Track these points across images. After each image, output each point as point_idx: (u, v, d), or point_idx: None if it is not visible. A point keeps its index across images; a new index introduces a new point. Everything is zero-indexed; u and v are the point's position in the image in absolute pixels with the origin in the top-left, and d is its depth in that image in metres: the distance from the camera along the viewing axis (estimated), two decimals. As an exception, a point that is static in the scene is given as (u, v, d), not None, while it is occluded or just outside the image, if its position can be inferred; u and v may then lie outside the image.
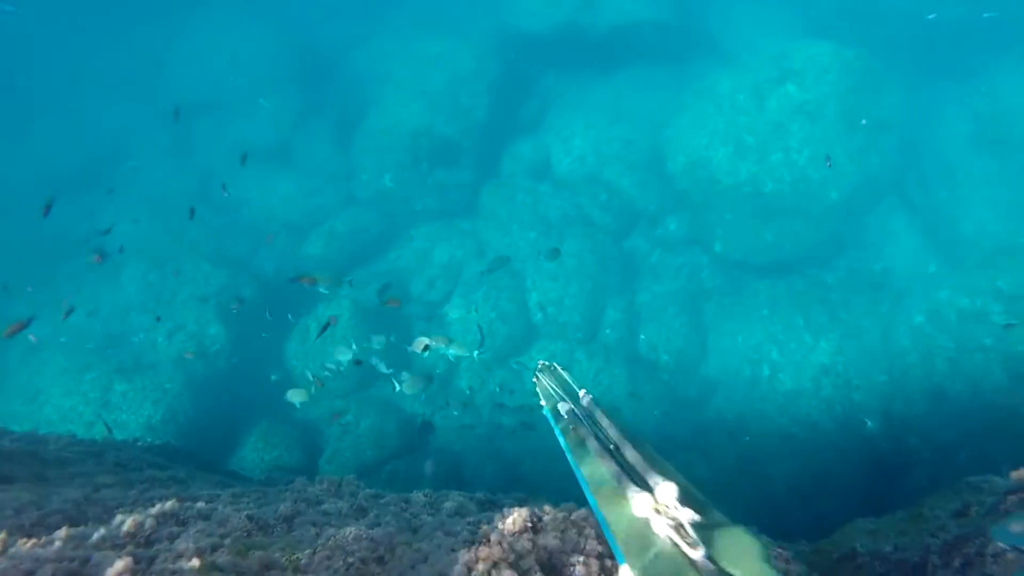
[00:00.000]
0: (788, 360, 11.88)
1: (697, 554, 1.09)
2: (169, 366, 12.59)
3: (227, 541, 1.88)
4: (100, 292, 14.26)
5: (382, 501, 3.06)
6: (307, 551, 1.83)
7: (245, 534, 2.12)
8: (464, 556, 1.61)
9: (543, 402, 2.33)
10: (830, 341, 11.62)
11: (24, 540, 1.87)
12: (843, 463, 10.27)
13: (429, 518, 2.94)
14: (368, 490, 3.24)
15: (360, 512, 2.78)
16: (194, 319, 12.96)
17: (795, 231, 12.62)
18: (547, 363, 2.40)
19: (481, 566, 1.57)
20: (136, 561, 1.62)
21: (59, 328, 13.37)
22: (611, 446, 1.46)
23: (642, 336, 12.86)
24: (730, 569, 1.06)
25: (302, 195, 15.52)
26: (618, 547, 1.26)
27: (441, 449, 11.73)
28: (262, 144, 16.50)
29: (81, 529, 1.96)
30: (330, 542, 1.87)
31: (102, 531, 1.93)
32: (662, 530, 1.18)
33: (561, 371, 2.26)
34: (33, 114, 18.45)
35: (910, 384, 10.98)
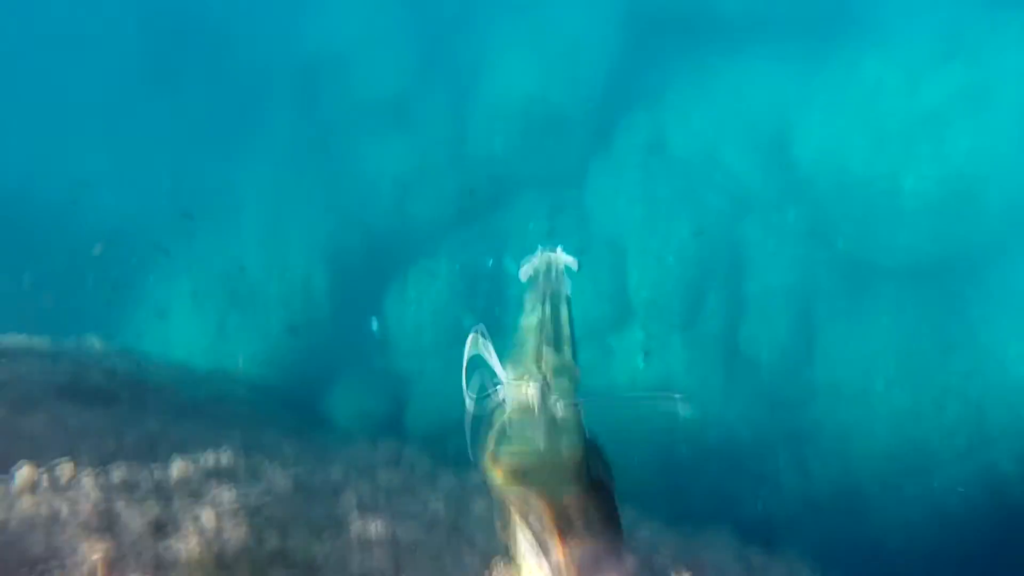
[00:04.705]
0: (907, 375, 10.74)
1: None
2: (277, 305, 13.37)
3: (262, 507, 1.88)
4: (227, 228, 15.28)
5: (438, 481, 3.00)
6: (326, 547, 1.79)
7: (287, 500, 2.12)
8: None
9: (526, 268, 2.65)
10: (963, 361, 10.34)
11: (89, 472, 1.98)
12: (963, 502, 9.21)
13: (482, 502, 2.85)
14: (427, 464, 3.19)
15: (411, 490, 2.73)
16: (302, 262, 13.66)
17: (937, 233, 11.24)
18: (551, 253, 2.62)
19: None
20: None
21: (193, 256, 14.66)
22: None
23: (744, 329, 12.11)
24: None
25: (413, 152, 15.75)
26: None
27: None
28: (380, 99, 16.85)
29: (137, 469, 2.04)
30: (353, 540, 1.81)
31: (151, 477, 1.99)
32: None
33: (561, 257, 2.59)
34: (184, 64, 19.85)
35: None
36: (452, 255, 13.10)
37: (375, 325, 12.26)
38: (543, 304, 2.11)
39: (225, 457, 2.37)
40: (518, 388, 1.57)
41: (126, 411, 3.49)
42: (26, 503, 1.76)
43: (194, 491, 2.07)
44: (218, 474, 2.26)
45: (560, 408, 1.39)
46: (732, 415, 11.35)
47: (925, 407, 10.20)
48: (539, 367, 1.66)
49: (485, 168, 14.90)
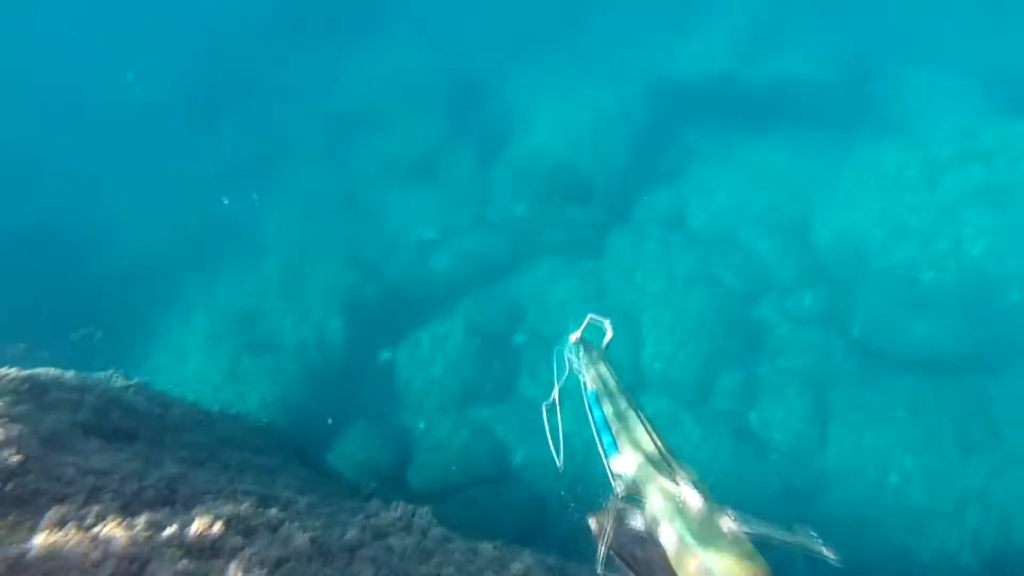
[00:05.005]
0: (924, 472, 10.45)
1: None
2: (291, 350, 13.42)
3: (283, 561, 1.89)
4: (248, 271, 15.57)
5: (450, 547, 2.97)
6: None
7: (305, 559, 2.12)
8: None
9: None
10: (986, 463, 10.07)
11: (113, 519, 2.00)
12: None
13: (492, 570, 2.81)
14: (438, 529, 3.17)
15: (424, 555, 2.71)
16: (320, 310, 13.79)
17: (955, 328, 11.18)
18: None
19: None
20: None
21: (211, 297, 14.91)
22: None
23: (755, 410, 11.94)
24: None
25: (438, 211, 16.11)
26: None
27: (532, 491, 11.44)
28: (409, 157, 17.37)
29: (160, 517, 2.06)
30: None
31: (175, 526, 2.01)
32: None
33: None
34: (222, 111, 20.75)
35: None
36: (468, 315, 13.18)
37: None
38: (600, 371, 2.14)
39: (244, 508, 2.39)
40: (671, 492, 1.58)
41: (145, 450, 3.52)
42: (57, 545, 1.79)
43: (215, 542, 2.08)
44: (238, 525, 2.28)
45: (730, 523, 1.44)
46: (740, 495, 11.03)
47: (944, 507, 9.88)
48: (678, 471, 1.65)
49: (506, 231, 15.17)
